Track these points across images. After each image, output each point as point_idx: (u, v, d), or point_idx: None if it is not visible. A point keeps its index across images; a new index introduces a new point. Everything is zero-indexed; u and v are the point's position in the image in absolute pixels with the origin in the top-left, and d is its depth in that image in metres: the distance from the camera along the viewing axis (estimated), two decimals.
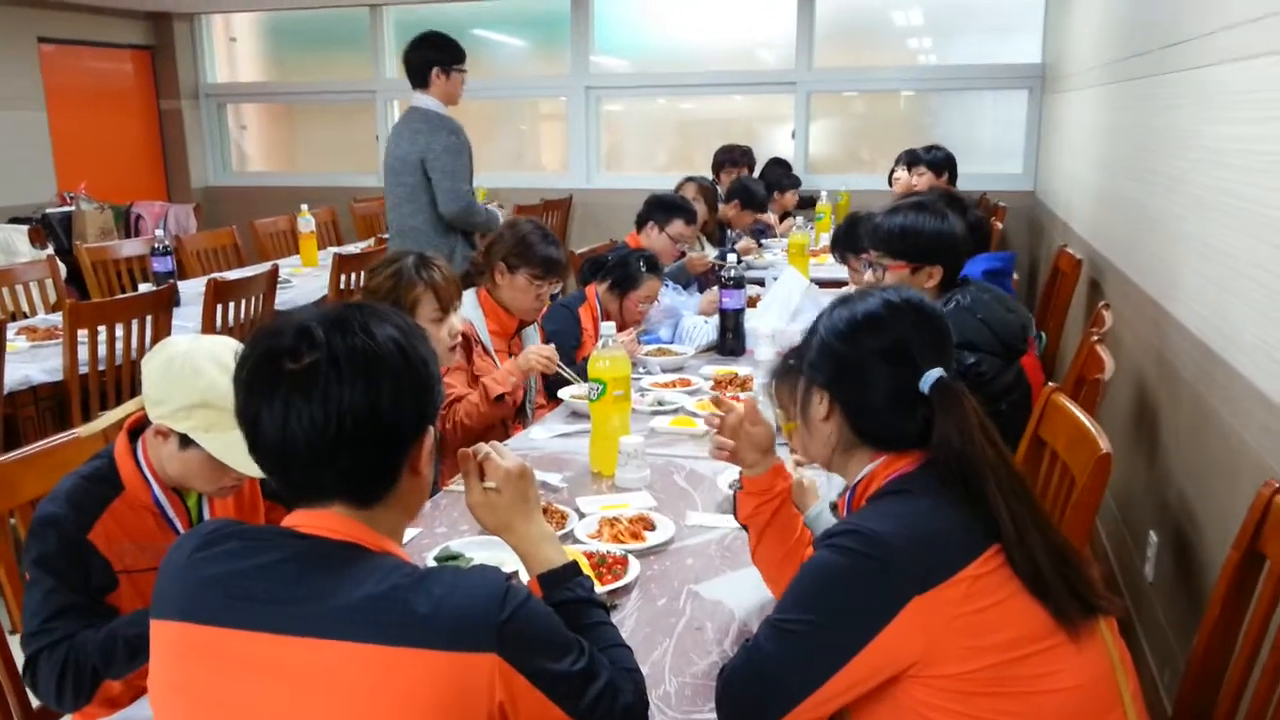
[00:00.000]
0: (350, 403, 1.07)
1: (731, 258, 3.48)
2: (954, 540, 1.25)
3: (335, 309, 1.16)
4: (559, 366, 2.77)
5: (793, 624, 1.27)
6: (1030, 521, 1.27)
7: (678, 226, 4.16)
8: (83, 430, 1.81)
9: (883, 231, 2.52)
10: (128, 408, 1.70)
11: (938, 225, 2.50)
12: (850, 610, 1.24)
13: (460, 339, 2.50)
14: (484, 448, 1.35)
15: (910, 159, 5.70)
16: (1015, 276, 3.70)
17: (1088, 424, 1.88)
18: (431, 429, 1.17)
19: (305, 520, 1.12)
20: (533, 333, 3.21)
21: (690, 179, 5.19)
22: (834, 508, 1.78)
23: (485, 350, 2.91)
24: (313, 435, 1.07)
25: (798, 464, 1.82)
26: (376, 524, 1.14)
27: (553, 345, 2.89)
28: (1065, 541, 1.32)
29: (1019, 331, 2.53)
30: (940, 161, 5.50)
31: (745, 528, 1.66)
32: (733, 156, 6.27)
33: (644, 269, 3.52)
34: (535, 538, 1.34)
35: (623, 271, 3.54)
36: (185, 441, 1.60)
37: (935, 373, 1.34)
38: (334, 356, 1.09)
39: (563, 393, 2.84)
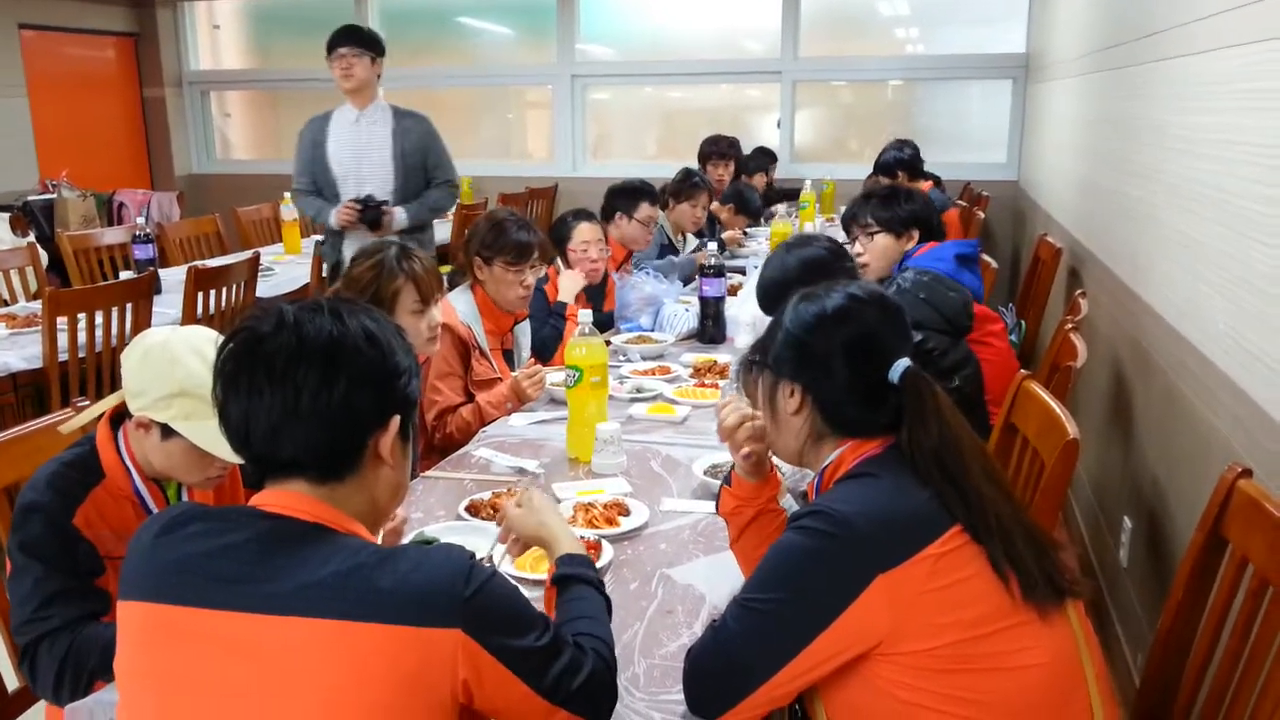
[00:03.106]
0: (308, 381, 1.11)
1: (712, 246, 3.49)
2: (917, 518, 1.27)
3: (318, 299, 1.21)
4: (551, 384, 2.77)
5: (758, 603, 1.29)
6: (1004, 505, 1.29)
7: (645, 210, 4.16)
8: (64, 428, 1.81)
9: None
10: (108, 402, 1.70)
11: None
12: (815, 589, 1.26)
13: (439, 331, 2.49)
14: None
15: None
16: (995, 265, 3.72)
17: (1057, 410, 1.91)
18: (397, 419, 1.18)
19: (271, 500, 1.14)
20: (524, 329, 3.21)
21: (690, 173, 5.13)
22: (803, 496, 1.79)
23: (483, 354, 2.90)
24: (273, 409, 1.11)
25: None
26: (342, 505, 1.15)
27: (534, 363, 2.84)
28: (1036, 525, 1.34)
29: (962, 308, 2.61)
30: (889, 164, 5.51)
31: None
32: (720, 148, 6.22)
33: (571, 219, 3.56)
34: (564, 531, 1.49)
35: (557, 233, 3.57)
36: (167, 432, 1.60)
37: (904, 363, 1.36)
38: (301, 337, 1.13)
39: None
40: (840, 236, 3.67)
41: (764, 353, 1.49)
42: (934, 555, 1.24)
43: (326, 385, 1.11)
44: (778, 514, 1.62)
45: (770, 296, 2.65)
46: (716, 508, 1.66)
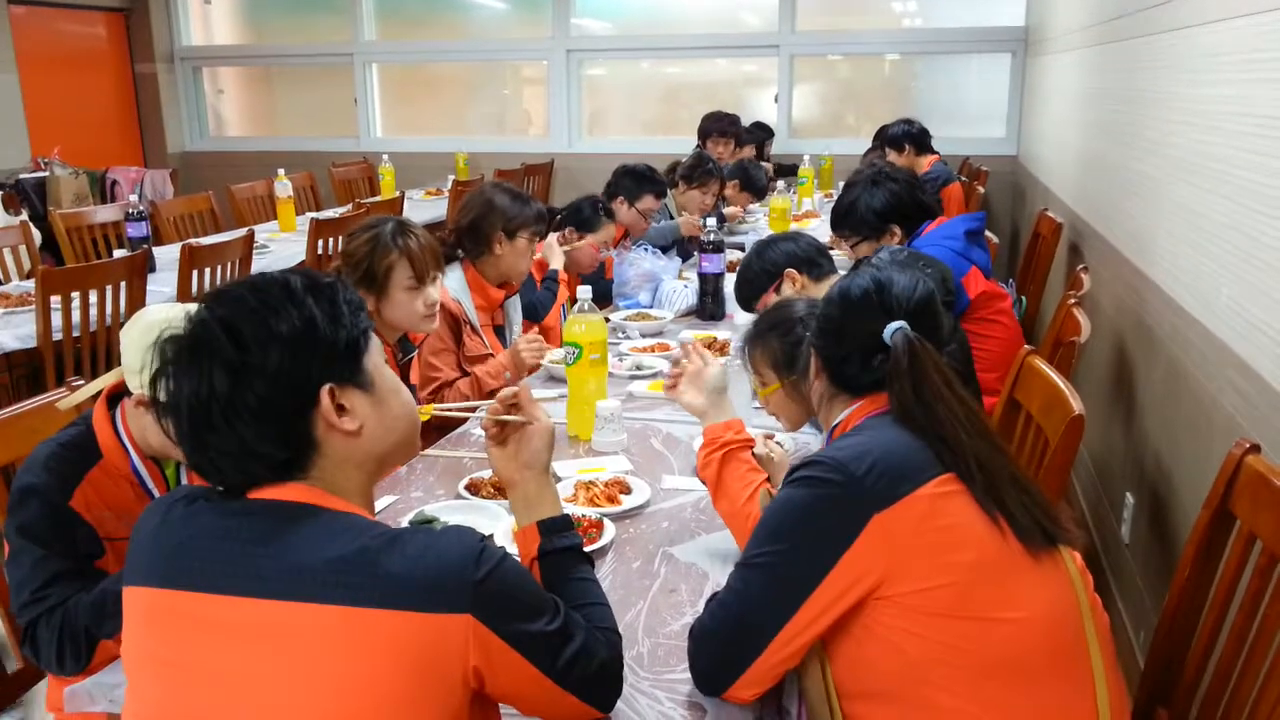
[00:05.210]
0: (191, 393, 1.06)
1: (711, 221, 3.46)
2: (912, 461, 1.29)
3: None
4: (549, 362, 2.76)
5: (760, 557, 1.31)
6: (985, 448, 1.30)
7: (647, 201, 4.12)
8: (62, 403, 1.79)
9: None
10: (106, 379, 1.68)
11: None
12: (814, 535, 1.27)
13: (437, 309, 2.47)
14: (525, 390, 1.42)
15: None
16: (995, 240, 3.70)
17: (1062, 386, 1.89)
18: (326, 390, 1.09)
19: (261, 494, 1.10)
20: (514, 304, 3.19)
21: (705, 158, 5.08)
22: None
23: (474, 330, 2.89)
24: (183, 440, 1.09)
25: (766, 437, 1.83)
26: (330, 485, 1.11)
27: (536, 330, 2.87)
28: (1027, 476, 1.35)
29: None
30: (898, 137, 5.53)
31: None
32: (721, 126, 6.15)
33: (601, 213, 3.52)
34: (546, 487, 1.37)
35: (578, 216, 3.53)
36: None
37: (896, 324, 1.39)
38: (165, 360, 1.08)
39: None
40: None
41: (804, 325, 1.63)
42: (928, 496, 1.26)
43: (208, 401, 1.05)
44: (747, 473, 1.67)
45: (745, 294, 2.71)
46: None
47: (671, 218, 4.82)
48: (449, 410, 1.64)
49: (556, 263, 3.36)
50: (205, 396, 1.05)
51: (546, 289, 3.33)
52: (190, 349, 1.07)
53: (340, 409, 1.10)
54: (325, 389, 1.09)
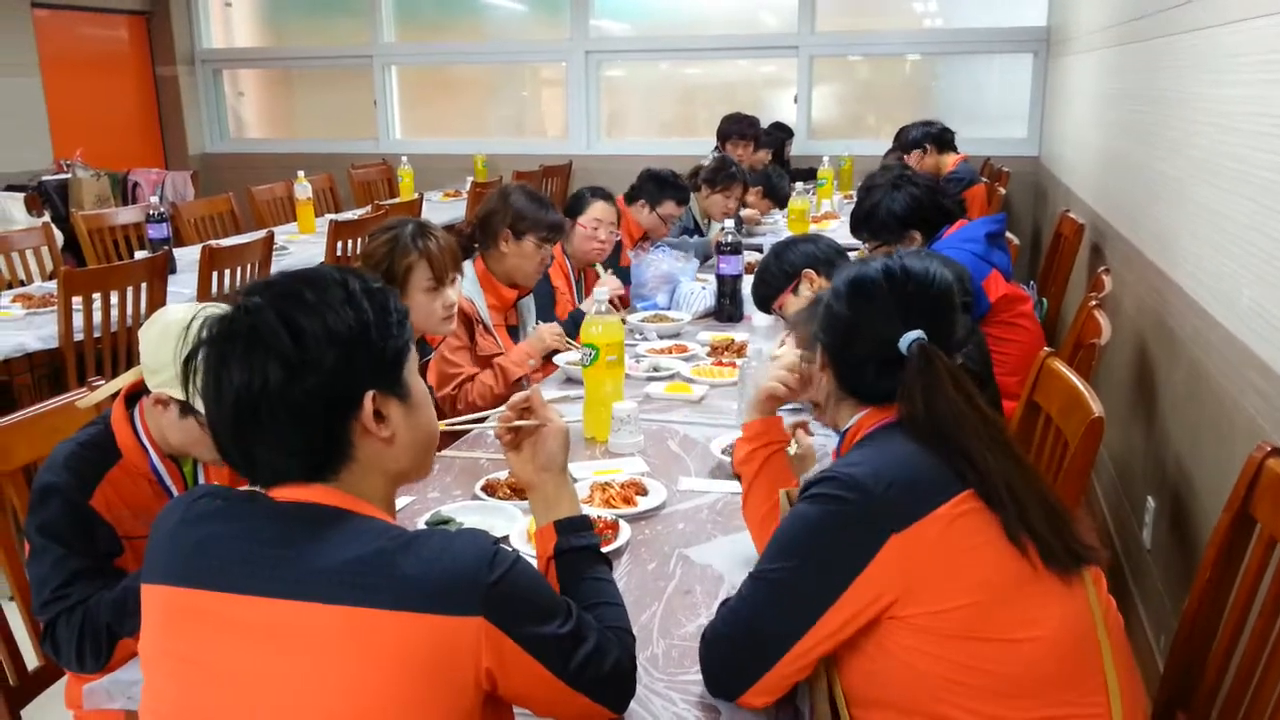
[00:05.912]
0: (242, 383, 1.06)
1: (729, 223, 3.46)
2: (929, 480, 1.26)
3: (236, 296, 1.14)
4: (570, 344, 2.78)
5: (775, 572, 1.29)
6: (1013, 468, 1.28)
7: (669, 206, 4.14)
8: (81, 402, 1.81)
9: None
10: (126, 378, 1.70)
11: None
12: (831, 553, 1.26)
13: (456, 311, 2.47)
14: (537, 394, 1.40)
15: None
16: (1017, 241, 3.67)
17: (1081, 388, 1.88)
18: (370, 396, 1.10)
19: (284, 494, 1.11)
20: (529, 304, 3.19)
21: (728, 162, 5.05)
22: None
23: (486, 328, 2.89)
24: (221, 430, 1.09)
25: (796, 426, 1.81)
26: (354, 491, 1.12)
27: (555, 324, 2.89)
28: (1052, 491, 1.33)
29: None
30: (918, 140, 5.51)
31: (738, 477, 1.70)
32: (740, 128, 6.11)
33: (589, 195, 3.52)
34: (564, 487, 1.37)
35: (573, 203, 3.55)
36: (185, 409, 1.60)
37: (913, 334, 1.36)
38: (227, 334, 1.08)
39: (557, 358, 2.84)
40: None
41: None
42: (946, 516, 1.24)
43: (258, 394, 1.05)
44: (786, 470, 1.66)
45: (762, 294, 2.72)
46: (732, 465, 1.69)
47: (695, 222, 4.81)
48: (458, 424, 1.65)
49: (588, 306, 3.30)
50: (256, 389, 1.06)
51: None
52: (246, 338, 1.07)
53: (379, 416, 1.12)
54: (369, 394, 1.10)
